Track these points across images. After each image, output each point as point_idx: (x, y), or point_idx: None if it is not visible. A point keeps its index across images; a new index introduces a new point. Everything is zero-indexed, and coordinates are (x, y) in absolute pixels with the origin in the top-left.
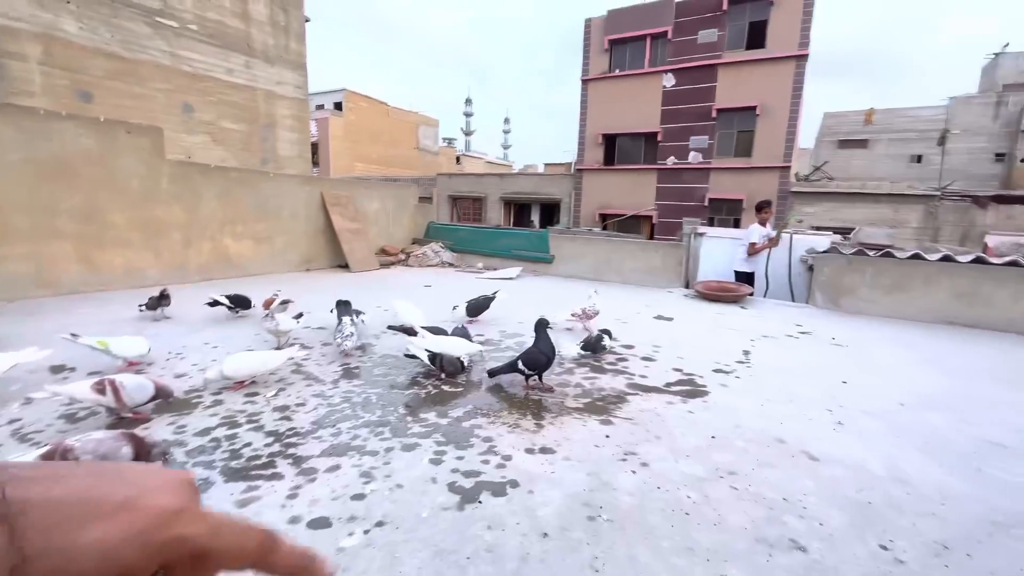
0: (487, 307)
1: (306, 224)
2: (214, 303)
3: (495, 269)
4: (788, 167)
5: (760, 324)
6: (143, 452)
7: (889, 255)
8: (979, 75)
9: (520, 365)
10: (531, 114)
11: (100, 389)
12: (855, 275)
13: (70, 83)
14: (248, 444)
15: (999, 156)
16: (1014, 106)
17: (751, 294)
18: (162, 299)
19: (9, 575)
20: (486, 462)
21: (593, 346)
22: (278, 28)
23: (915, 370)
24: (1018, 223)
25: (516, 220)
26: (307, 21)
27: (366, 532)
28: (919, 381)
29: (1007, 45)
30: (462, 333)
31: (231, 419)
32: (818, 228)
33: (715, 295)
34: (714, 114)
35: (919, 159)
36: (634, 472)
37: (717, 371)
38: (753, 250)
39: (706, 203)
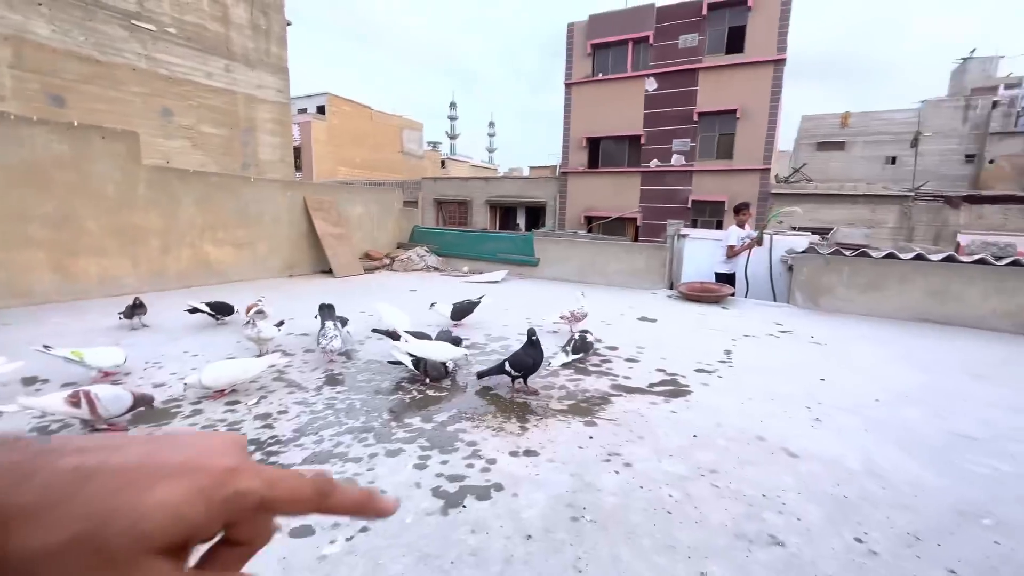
0: (471, 311)
1: (288, 229)
2: (194, 310)
3: (481, 273)
4: (768, 169)
5: (741, 324)
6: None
7: (865, 255)
8: (948, 79)
9: (507, 367)
10: (516, 117)
11: (75, 402)
12: (833, 275)
13: (41, 87)
14: None
15: (969, 157)
16: (982, 109)
17: (732, 294)
18: (136, 308)
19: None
20: (471, 466)
21: (581, 347)
22: (259, 32)
23: (890, 367)
24: (988, 222)
25: (502, 223)
26: (288, 25)
27: (349, 539)
28: (894, 377)
29: (974, 50)
30: (450, 338)
31: (211, 428)
32: (798, 228)
33: (698, 296)
34: (696, 117)
35: (893, 160)
36: (617, 472)
37: (699, 371)
38: (732, 252)
39: (689, 205)
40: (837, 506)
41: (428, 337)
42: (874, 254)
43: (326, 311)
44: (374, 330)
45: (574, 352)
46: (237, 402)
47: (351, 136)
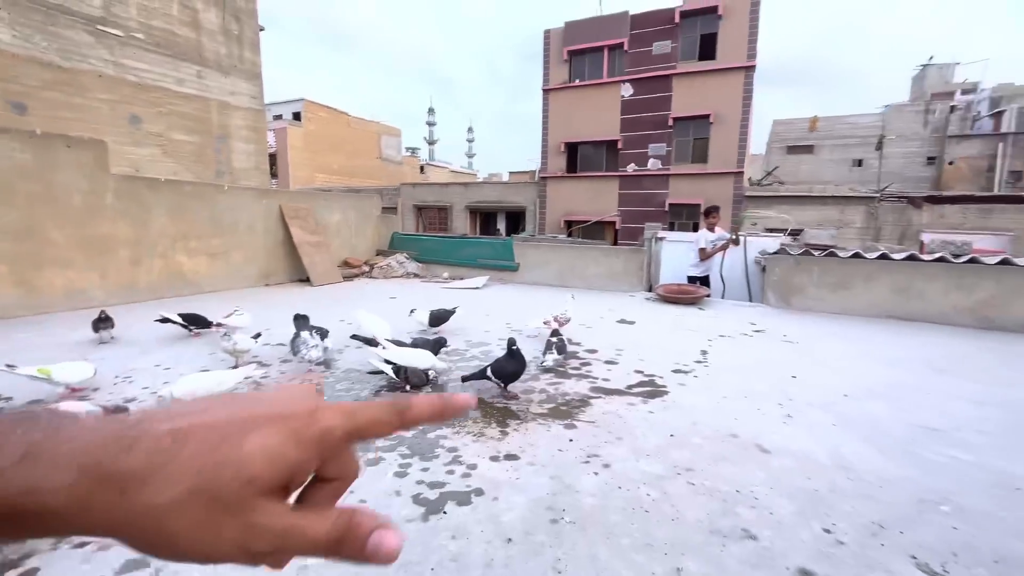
0: (447, 319)
1: (264, 238)
2: (164, 320)
3: (461, 279)
4: (742, 172)
5: (717, 324)
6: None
7: (833, 255)
8: (909, 84)
9: (488, 373)
10: (494, 123)
11: None
12: (803, 275)
13: (1, 93)
14: None
15: (930, 159)
16: (940, 113)
17: (708, 295)
18: (102, 322)
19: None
20: (451, 472)
21: (562, 348)
22: (231, 37)
23: (858, 362)
24: (949, 221)
25: (483, 228)
26: (261, 30)
27: None
28: (862, 373)
29: (932, 58)
30: (436, 343)
31: None
32: (771, 230)
33: (675, 297)
34: (671, 122)
35: (860, 163)
36: (596, 473)
37: (676, 371)
38: (704, 255)
39: (666, 208)
40: (807, 499)
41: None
42: (841, 254)
43: (301, 322)
44: (353, 336)
45: (559, 352)
46: None
47: (328, 142)
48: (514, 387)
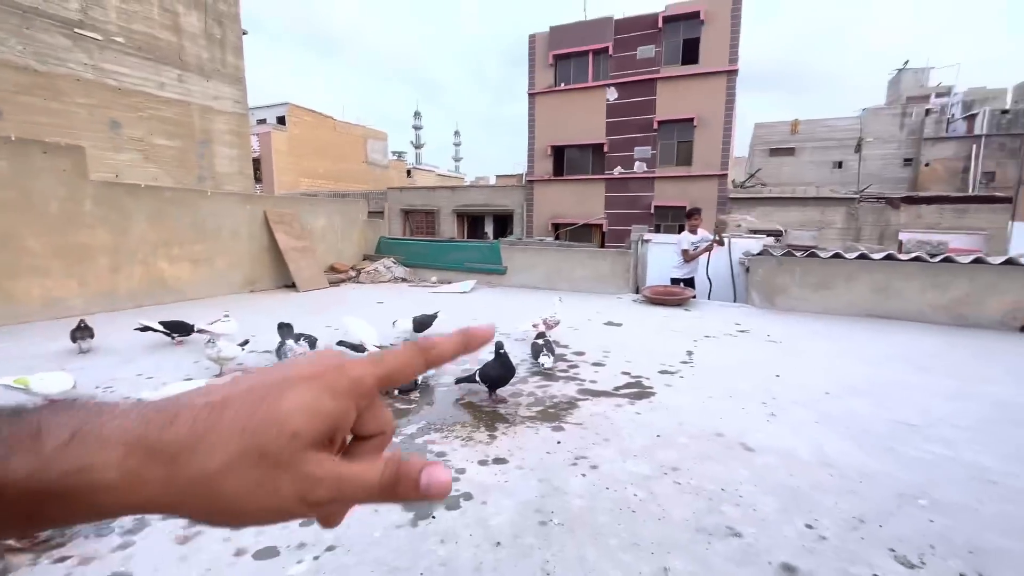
0: (431, 323)
1: (249, 243)
2: (145, 329)
3: (449, 283)
4: (725, 175)
5: (703, 325)
6: None
7: (814, 255)
8: (886, 88)
9: (477, 377)
10: (481, 126)
11: None
12: (786, 275)
13: None
14: None
15: (907, 161)
16: (916, 116)
17: (694, 297)
18: (80, 331)
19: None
20: None
21: (552, 349)
22: (213, 41)
23: (839, 361)
24: (926, 221)
25: (470, 232)
26: (244, 34)
27: (316, 558)
28: (843, 371)
29: (907, 62)
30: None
31: None
32: (755, 231)
33: (661, 299)
34: (655, 126)
35: (840, 165)
36: (584, 475)
37: (663, 372)
38: (688, 256)
39: (652, 210)
40: (790, 495)
41: None
42: (822, 254)
43: (285, 330)
44: (340, 343)
45: (548, 353)
46: None
47: (313, 146)
48: (503, 390)
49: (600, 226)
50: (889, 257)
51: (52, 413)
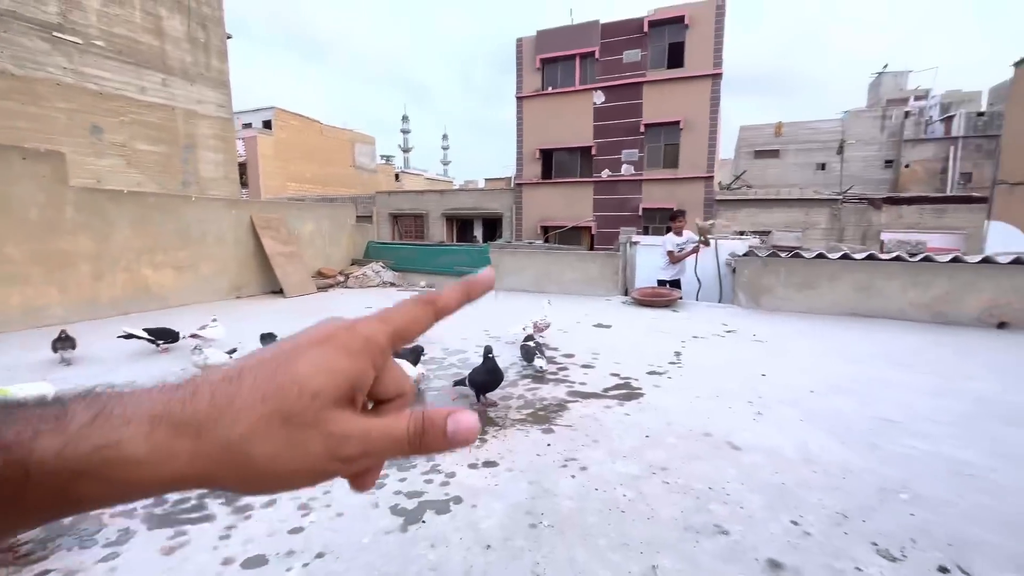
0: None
1: (235, 249)
2: (129, 336)
3: (438, 287)
4: (712, 177)
5: (690, 326)
6: None
7: (798, 256)
8: (866, 91)
9: (466, 381)
10: (469, 130)
11: None
12: (771, 276)
13: None
14: None
15: (888, 163)
16: (896, 119)
17: (680, 298)
18: (62, 341)
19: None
20: (429, 481)
21: (541, 352)
22: (197, 45)
23: (824, 359)
24: (907, 221)
25: (459, 236)
26: (229, 38)
27: (305, 565)
28: (827, 369)
29: (886, 66)
30: (414, 352)
31: None
32: (740, 232)
33: (650, 301)
34: (642, 129)
35: (823, 167)
36: (574, 477)
37: (651, 373)
38: (674, 258)
39: (640, 213)
40: (776, 493)
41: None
42: (806, 255)
43: (268, 341)
44: None
45: (541, 355)
46: None
47: (300, 151)
48: (493, 394)
49: (589, 229)
50: (871, 257)
51: (73, 398)
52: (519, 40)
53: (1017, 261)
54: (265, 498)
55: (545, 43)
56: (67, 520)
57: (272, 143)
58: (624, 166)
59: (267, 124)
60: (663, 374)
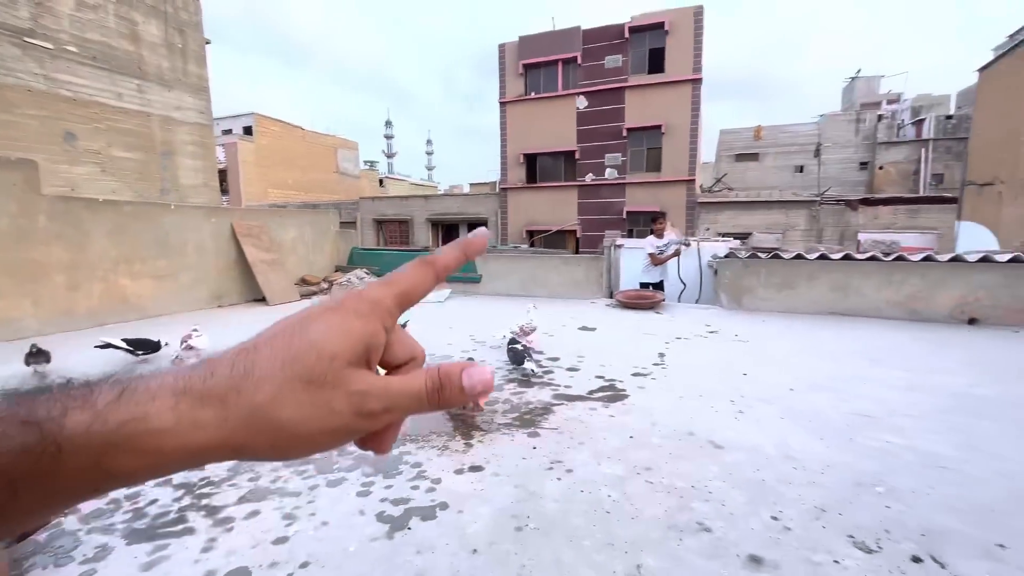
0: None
1: (215, 257)
2: (106, 346)
3: None
4: (693, 180)
5: (674, 327)
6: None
7: (778, 257)
8: (840, 95)
9: None
10: (453, 135)
11: None
12: (752, 276)
13: None
14: (154, 501)
15: (863, 165)
16: (870, 122)
17: (664, 300)
18: (32, 356)
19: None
20: (415, 488)
21: (529, 355)
22: (174, 51)
23: (802, 358)
24: (882, 221)
25: (445, 240)
26: (207, 43)
27: None
28: (805, 367)
29: (859, 71)
30: None
31: None
32: (723, 234)
33: (634, 303)
34: (625, 133)
35: (801, 169)
36: (559, 479)
37: (636, 375)
38: (656, 260)
39: (624, 216)
40: (756, 489)
41: None
42: (785, 256)
43: None
44: None
45: (530, 358)
46: None
47: (281, 157)
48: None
49: (574, 232)
50: (847, 257)
51: (97, 380)
52: (501, 46)
53: (985, 259)
54: (248, 508)
55: (528, 49)
56: (41, 537)
57: (253, 149)
58: (607, 170)
59: (248, 130)
60: (647, 375)
